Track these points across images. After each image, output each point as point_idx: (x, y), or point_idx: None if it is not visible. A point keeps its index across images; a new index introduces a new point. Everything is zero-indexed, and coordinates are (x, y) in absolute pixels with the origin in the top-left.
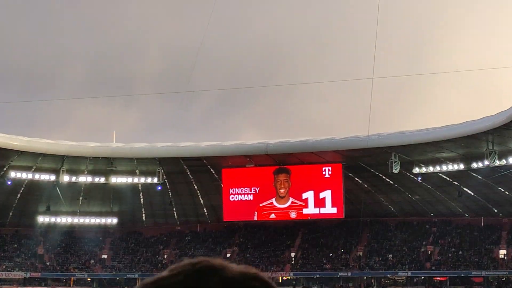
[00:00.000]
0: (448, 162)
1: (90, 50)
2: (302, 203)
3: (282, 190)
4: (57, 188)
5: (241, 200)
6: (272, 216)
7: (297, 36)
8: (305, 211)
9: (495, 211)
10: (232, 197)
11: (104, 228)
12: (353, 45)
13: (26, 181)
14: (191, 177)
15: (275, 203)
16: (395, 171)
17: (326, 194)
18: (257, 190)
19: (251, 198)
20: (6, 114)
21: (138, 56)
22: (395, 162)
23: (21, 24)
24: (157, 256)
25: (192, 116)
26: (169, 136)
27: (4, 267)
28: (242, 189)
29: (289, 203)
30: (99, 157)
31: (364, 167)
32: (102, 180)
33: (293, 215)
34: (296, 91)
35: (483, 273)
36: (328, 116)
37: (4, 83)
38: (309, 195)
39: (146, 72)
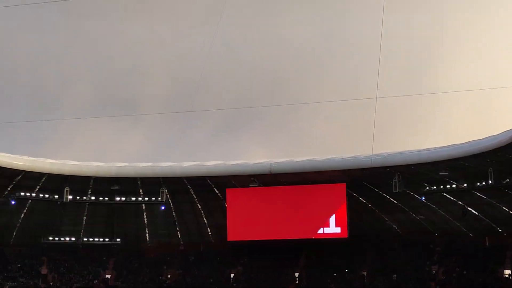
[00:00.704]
0: (452, 181)
1: (96, 69)
2: (306, 223)
3: (286, 210)
4: (61, 208)
5: (246, 220)
6: (277, 236)
7: (301, 55)
8: (309, 231)
9: (500, 230)
10: (236, 218)
11: (107, 248)
12: (356, 64)
13: (30, 201)
14: (195, 197)
15: (279, 223)
16: (399, 190)
17: (331, 214)
18: (261, 210)
19: (255, 218)
20: (14, 133)
21: (144, 75)
22: (398, 181)
23: (28, 43)
24: (160, 276)
25: (198, 136)
26: (176, 155)
27: (7, 287)
28: (246, 211)
29: (293, 223)
30: (102, 177)
31: (367, 186)
32: (106, 199)
33: (297, 235)
34: (300, 110)
35: None
36: (332, 135)
37: (12, 102)
38: (313, 214)
39: (152, 91)
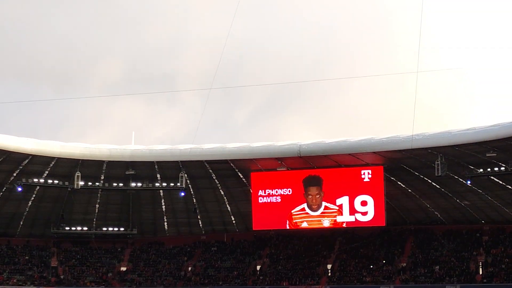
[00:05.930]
0: (500, 163)
1: (128, 44)
2: (335, 208)
3: (313, 201)
4: (72, 195)
5: (271, 202)
6: (304, 224)
7: (340, 30)
8: (339, 218)
9: None
10: (261, 199)
11: (122, 238)
12: (397, 38)
13: (38, 188)
14: (217, 182)
15: (307, 209)
16: (442, 174)
17: (366, 200)
18: (289, 192)
19: (282, 200)
20: (37, 113)
21: (181, 51)
22: (441, 164)
23: (56, 19)
24: (180, 269)
25: (238, 115)
26: (217, 137)
27: (15, 280)
28: (272, 191)
29: (321, 209)
30: (116, 161)
31: (407, 169)
32: (120, 185)
33: (326, 223)
34: (344, 86)
35: None
36: (368, 113)
37: (36, 79)
38: (343, 200)
39: (189, 68)
